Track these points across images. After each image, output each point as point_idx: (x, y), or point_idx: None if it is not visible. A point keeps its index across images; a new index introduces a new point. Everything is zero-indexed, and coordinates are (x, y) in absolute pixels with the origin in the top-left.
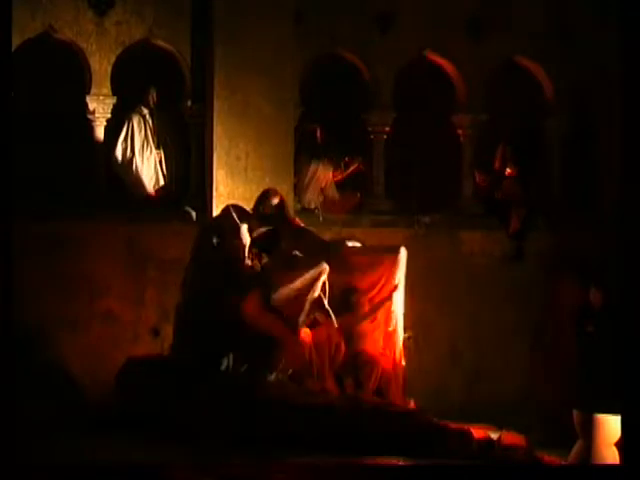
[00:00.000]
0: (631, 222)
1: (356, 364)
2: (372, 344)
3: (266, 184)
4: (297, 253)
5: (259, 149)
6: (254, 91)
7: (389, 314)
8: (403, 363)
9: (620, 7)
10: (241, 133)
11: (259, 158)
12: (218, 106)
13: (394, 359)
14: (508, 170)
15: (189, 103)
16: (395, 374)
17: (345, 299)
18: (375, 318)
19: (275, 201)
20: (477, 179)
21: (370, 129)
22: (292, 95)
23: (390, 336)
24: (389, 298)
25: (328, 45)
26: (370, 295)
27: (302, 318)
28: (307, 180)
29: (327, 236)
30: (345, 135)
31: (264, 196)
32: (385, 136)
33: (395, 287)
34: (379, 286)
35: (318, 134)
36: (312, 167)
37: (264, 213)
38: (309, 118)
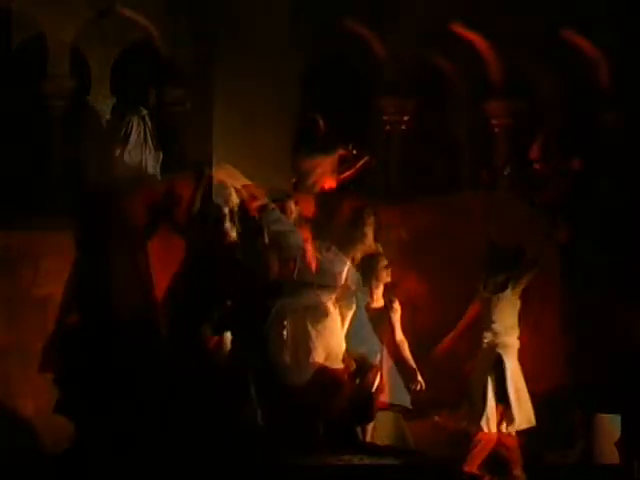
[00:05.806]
0: None
1: None
2: None
3: (266, 186)
4: None
5: (259, 150)
6: (254, 92)
7: None
8: None
9: None
10: (241, 134)
11: (259, 159)
12: (218, 106)
13: None
14: (575, 164)
15: (189, 104)
16: None
17: None
18: None
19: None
20: (483, 177)
21: (386, 118)
22: (292, 95)
23: None
24: None
25: (335, 16)
26: None
27: None
28: (308, 177)
29: None
30: (353, 126)
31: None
32: (403, 127)
33: None
34: None
35: (320, 125)
36: (313, 163)
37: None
38: (312, 106)
